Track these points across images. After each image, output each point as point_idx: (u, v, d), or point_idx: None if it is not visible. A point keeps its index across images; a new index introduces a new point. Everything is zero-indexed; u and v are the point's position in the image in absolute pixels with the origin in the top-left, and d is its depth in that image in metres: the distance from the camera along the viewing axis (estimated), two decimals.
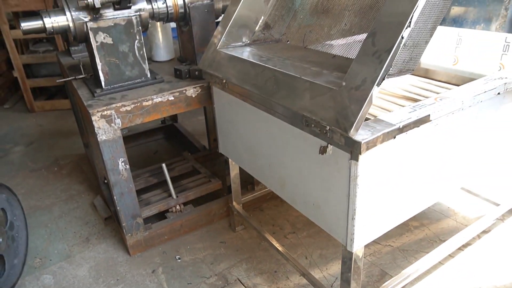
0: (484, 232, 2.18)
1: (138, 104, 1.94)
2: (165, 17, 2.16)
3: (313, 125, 1.29)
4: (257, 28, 1.96)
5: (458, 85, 1.79)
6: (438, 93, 1.96)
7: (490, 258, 2.04)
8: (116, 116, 1.89)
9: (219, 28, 1.92)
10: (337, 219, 1.36)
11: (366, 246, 2.13)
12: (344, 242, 1.37)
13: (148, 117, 2.00)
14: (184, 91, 2.06)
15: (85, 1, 1.81)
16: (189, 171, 2.73)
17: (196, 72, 2.12)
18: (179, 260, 2.20)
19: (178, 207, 2.38)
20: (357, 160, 1.19)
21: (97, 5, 1.82)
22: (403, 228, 2.27)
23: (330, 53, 1.70)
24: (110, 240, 2.39)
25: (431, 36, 1.35)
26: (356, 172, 1.21)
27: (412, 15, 1.16)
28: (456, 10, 3.88)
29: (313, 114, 1.27)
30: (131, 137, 3.51)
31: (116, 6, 1.93)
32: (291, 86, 1.39)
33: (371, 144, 1.18)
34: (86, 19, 1.89)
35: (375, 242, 2.17)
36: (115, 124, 1.90)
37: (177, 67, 2.20)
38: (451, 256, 2.03)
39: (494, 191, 2.47)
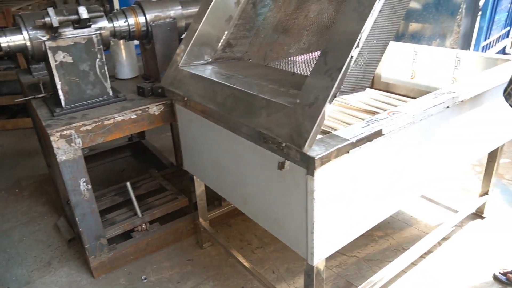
0: (445, 239, 2.26)
1: (100, 123, 1.92)
2: (127, 36, 2.16)
3: (270, 142, 1.31)
4: (219, 46, 1.98)
5: (416, 98, 1.87)
6: (396, 106, 2.04)
7: (449, 264, 2.11)
8: (76, 135, 1.86)
9: (181, 46, 1.93)
10: (297, 234, 1.38)
11: (332, 258, 2.17)
12: (305, 256, 1.39)
13: (110, 136, 1.97)
14: (146, 109, 2.05)
15: (42, 20, 1.78)
16: (156, 189, 2.70)
17: (159, 90, 2.12)
18: (145, 281, 2.15)
19: (143, 225, 2.34)
20: (313, 175, 1.22)
21: (55, 24, 1.80)
22: (368, 238, 2.32)
23: (290, 71, 1.75)
24: (73, 262, 2.31)
25: (381, 54, 1.42)
26: (312, 187, 1.24)
27: (361, 35, 1.22)
28: (414, 27, 4.08)
29: (270, 131, 1.29)
30: (97, 155, 3.44)
31: (76, 25, 1.91)
32: (249, 104, 1.42)
33: (325, 159, 1.21)
34: (44, 38, 1.86)
35: (340, 253, 2.21)
36: (75, 144, 1.87)
37: (139, 85, 2.19)
38: (413, 264, 2.09)
39: (453, 199, 2.57)
